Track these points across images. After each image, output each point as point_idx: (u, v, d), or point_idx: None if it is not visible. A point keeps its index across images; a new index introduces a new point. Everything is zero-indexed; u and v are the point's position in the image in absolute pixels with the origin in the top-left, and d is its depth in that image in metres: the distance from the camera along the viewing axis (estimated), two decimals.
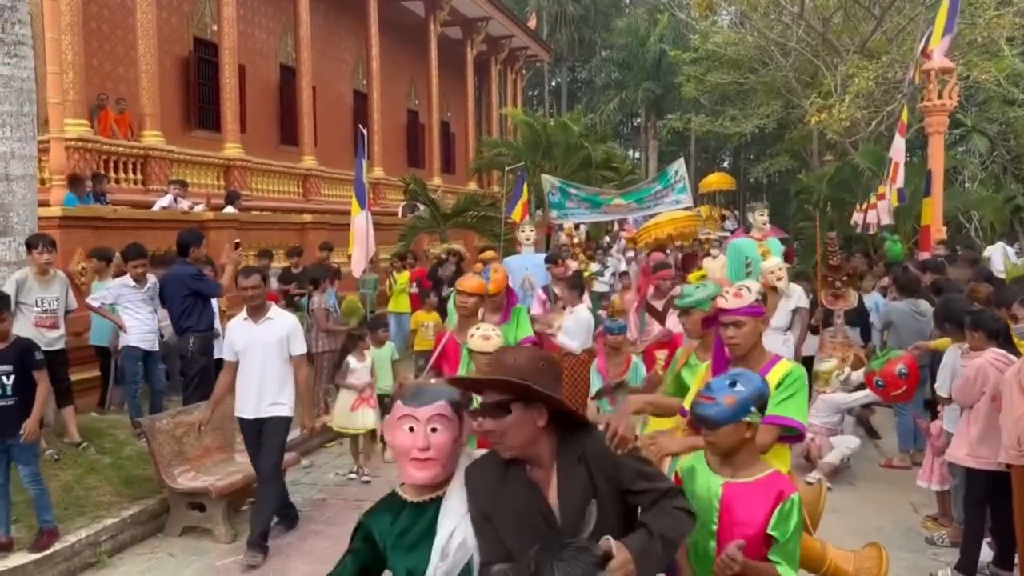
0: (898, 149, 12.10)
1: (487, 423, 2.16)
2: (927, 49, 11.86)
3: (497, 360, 2.28)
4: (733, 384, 2.59)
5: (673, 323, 6.29)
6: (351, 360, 7.31)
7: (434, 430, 2.20)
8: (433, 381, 4.98)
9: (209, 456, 6.37)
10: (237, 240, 8.43)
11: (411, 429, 2.20)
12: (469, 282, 5.28)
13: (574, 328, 6.80)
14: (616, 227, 20.08)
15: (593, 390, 6.01)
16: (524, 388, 2.11)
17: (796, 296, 7.58)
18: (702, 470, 2.71)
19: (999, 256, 13.16)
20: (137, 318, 7.17)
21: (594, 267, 14.04)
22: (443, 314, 8.65)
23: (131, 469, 6.42)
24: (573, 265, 12.06)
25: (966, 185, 20.00)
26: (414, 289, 11.34)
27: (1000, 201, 17.05)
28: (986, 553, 5.02)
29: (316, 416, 7.32)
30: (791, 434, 3.22)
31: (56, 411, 6.82)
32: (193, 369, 7.18)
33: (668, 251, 14.01)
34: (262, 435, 5.49)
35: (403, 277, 11.68)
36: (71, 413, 6.79)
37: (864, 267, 11.44)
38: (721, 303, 3.28)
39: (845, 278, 6.97)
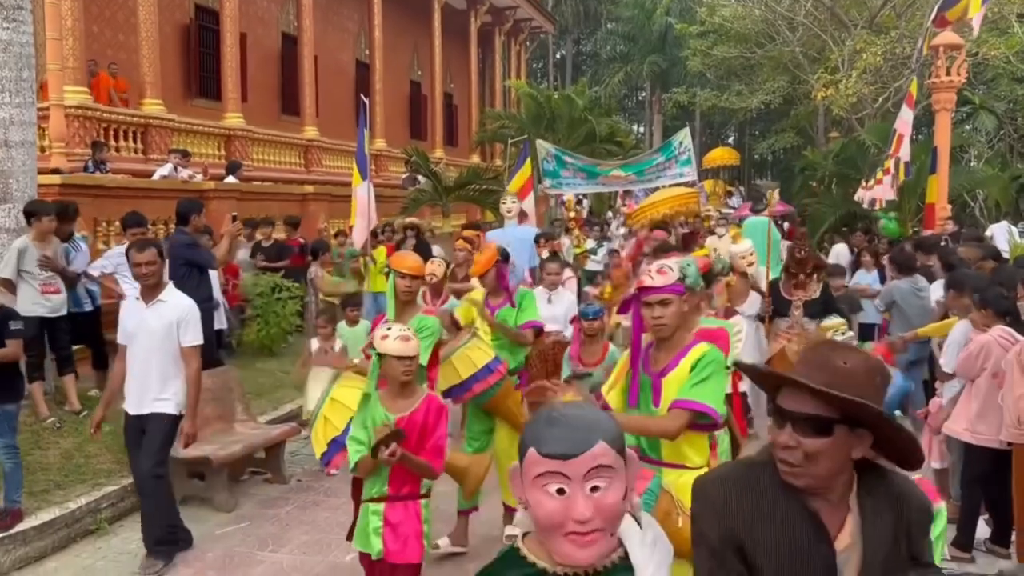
0: (904, 121, 11.93)
1: (793, 438, 1.70)
2: (940, 18, 11.56)
3: (822, 357, 1.77)
4: None
5: None
6: (313, 342, 6.94)
7: (596, 489, 1.45)
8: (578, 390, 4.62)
9: (209, 426, 6.37)
10: (234, 213, 8.38)
11: (560, 491, 1.44)
12: (406, 261, 4.57)
13: (565, 312, 6.40)
14: (619, 202, 19.85)
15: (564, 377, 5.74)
16: (876, 414, 1.69)
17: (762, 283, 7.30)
18: None
19: (1003, 235, 13.11)
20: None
21: (588, 244, 13.47)
22: None
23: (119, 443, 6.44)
24: (567, 242, 11.71)
25: (972, 163, 19.89)
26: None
27: (1006, 180, 16.97)
28: (983, 530, 5.04)
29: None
30: (704, 421, 3.03)
31: (56, 378, 6.84)
32: None
33: (671, 229, 13.85)
34: (144, 435, 4.82)
35: (380, 254, 10.34)
36: (72, 381, 6.80)
37: (864, 244, 11.40)
38: (646, 281, 3.13)
39: (810, 270, 6.55)
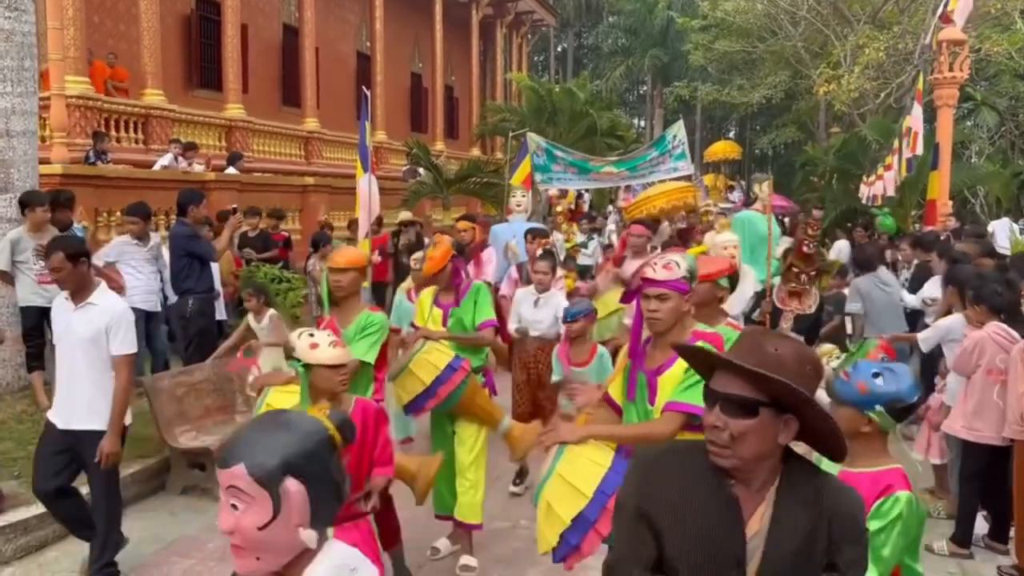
0: (916, 117, 11.85)
1: (720, 419, 1.77)
2: (947, 13, 11.48)
3: (754, 342, 1.84)
4: (877, 375, 2.46)
5: None
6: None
7: (233, 507, 1.50)
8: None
9: (210, 416, 6.39)
10: (234, 205, 8.39)
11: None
12: (341, 255, 4.29)
13: (554, 315, 5.92)
14: (620, 195, 19.72)
15: (555, 379, 5.48)
16: (803, 398, 1.74)
17: (752, 280, 6.67)
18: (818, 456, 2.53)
19: (1004, 232, 13.12)
20: (139, 278, 7.14)
21: (579, 238, 13.09)
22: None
23: (132, 428, 6.44)
24: (559, 237, 11.59)
25: (973, 160, 19.88)
26: (378, 258, 10.32)
27: (1007, 176, 16.97)
28: (981, 526, 5.05)
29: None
30: (698, 422, 2.88)
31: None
32: (192, 330, 7.17)
33: (671, 223, 13.57)
34: (79, 454, 4.29)
35: (363, 246, 10.22)
36: None
37: (864, 238, 11.37)
38: (648, 273, 3.10)
39: (812, 273, 5.74)
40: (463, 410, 4.60)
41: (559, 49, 44.81)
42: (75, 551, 4.96)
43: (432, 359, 4.39)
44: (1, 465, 5.46)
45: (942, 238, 9.07)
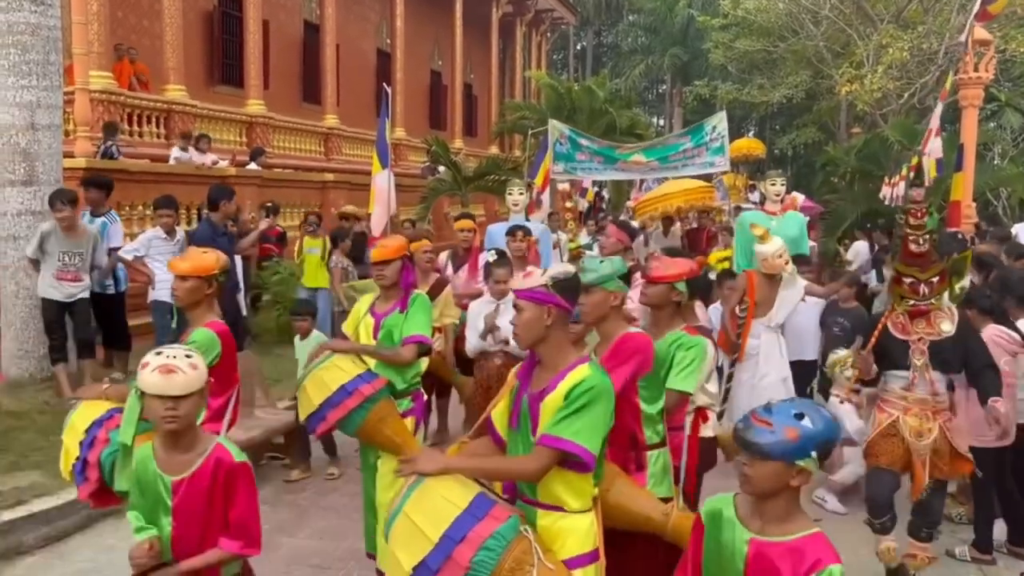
0: (936, 116, 11.69)
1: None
2: (983, 11, 11.16)
3: None
4: (800, 416, 2.14)
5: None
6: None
7: None
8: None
9: None
10: (268, 203, 8.41)
11: None
12: (184, 260, 3.76)
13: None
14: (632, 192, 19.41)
15: None
16: None
17: (800, 287, 6.19)
18: (728, 517, 2.27)
19: None
20: (167, 271, 7.19)
21: (583, 239, 12.15)
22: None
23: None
24: (563, 237, 10.70)
25: (996, 161, 19.63)
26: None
27: None
28: (1002, 531, 4.99)
29: None
30: (574, 460, 2.53)
31: (79, 362, 6.91)
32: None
33: (682, 224, 13.05)
34: None
35: (316, 243, 9.35)
36: (88, 366, 6.90)
37: (885, 241, 11.15)
38: (511, 283, 2.95)
39: (935, 279, 4.07)
40: (367, 440, 3.93)
41: (578, 47, 44.73)
42: (96, 542, 5.00)
43: (326, 377, 3.72)
44: (23, 455, 5.52)
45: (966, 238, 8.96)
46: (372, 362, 4.01)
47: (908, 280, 4.12)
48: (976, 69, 11.61)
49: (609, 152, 10.82)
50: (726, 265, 10.33)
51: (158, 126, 12.46)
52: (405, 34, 19.71)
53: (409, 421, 4.09)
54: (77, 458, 3.10)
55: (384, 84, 10.43)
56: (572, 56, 43.89)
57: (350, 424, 3.74)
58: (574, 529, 2.62)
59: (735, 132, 44.74)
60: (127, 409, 2.70)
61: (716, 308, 6.86)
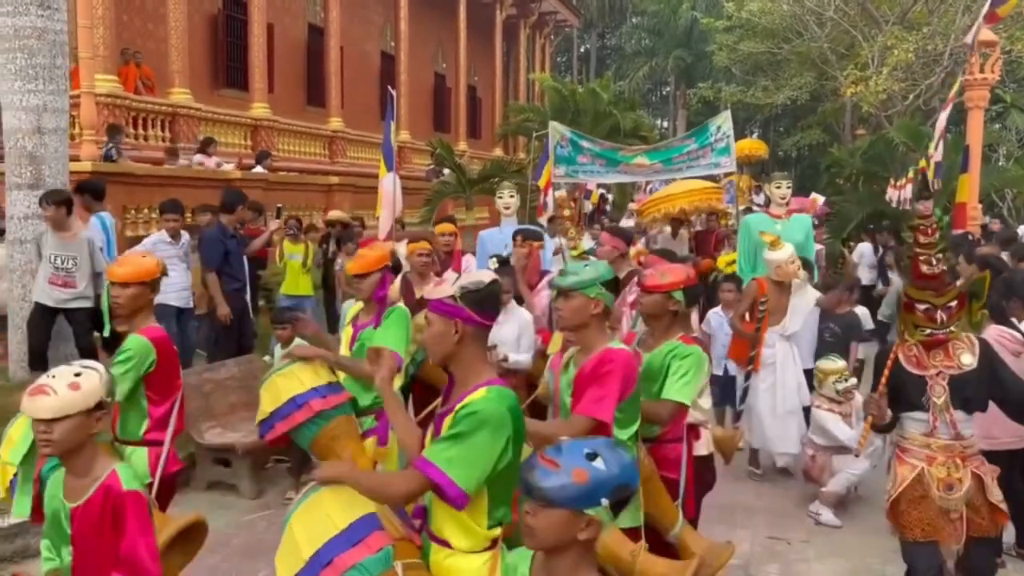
0: (942, 119, 11.62)
1: None
2: (991, 13, 11.10)
3: None
4: (592, 456, 1.89)
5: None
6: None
7: None
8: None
9: (235, 413, 6.42)
10: (279, 205, 8.43)
11: None
12: (122, 266, 3.54)
13: (516, 336, 5.05)
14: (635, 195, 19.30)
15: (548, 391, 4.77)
16: None
17: (811, 295, 6.20)
18: (523, 574, 2.14)
19: None
20: (173, 274, 7.18)
21: (585, 244, 11.38)
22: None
23: None
24: (564, 243, 10.90)
25: (1001, 162, 19.61)
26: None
27: None
28: (1011, 534, 4.97)
29: None
30: (441, 492, 2.28)
31: None
32: (219, 327, 7.24)
33: (688, 228, 12.85)
34: None
35: (297, 249, 8.97)
36: None
37: (890, 243, 11.06)
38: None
39: (953, 304, 3.52)
40: (321, 457, 3.68)
41: (582, 49, 44.73)
42: None
43: (281, 386, 3.60)
44: None
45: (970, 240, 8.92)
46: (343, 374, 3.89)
47: (922, 306, 3.52)
48: (982, 70, 11.59)
49: (612, 154, 10.50)
50: (734, 269, 10.31)
51: (163, 129, 12.48)
52: (409, 37, 19.72)
53: (370, 441, 3.90)
54: (15, 473, 2.95)
55: (389, 87, 10.42)
56: (576, 58, 43.90)
57: (301, 438, 3.63)
58: (459, 570, 2.32)
59: (739, 134, 44.58)
60: (23, 429, 2.60)
61: (716, 313, 6.81)
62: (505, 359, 4.86)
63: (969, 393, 3.50)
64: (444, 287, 2.43)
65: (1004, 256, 7.39)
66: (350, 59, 18.09)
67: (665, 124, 43.43)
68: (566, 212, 12.75)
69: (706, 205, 12.64)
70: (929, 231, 3.60)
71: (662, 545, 3.37)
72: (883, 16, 19.72)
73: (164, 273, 3.64)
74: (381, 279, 4.09)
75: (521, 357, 5.00)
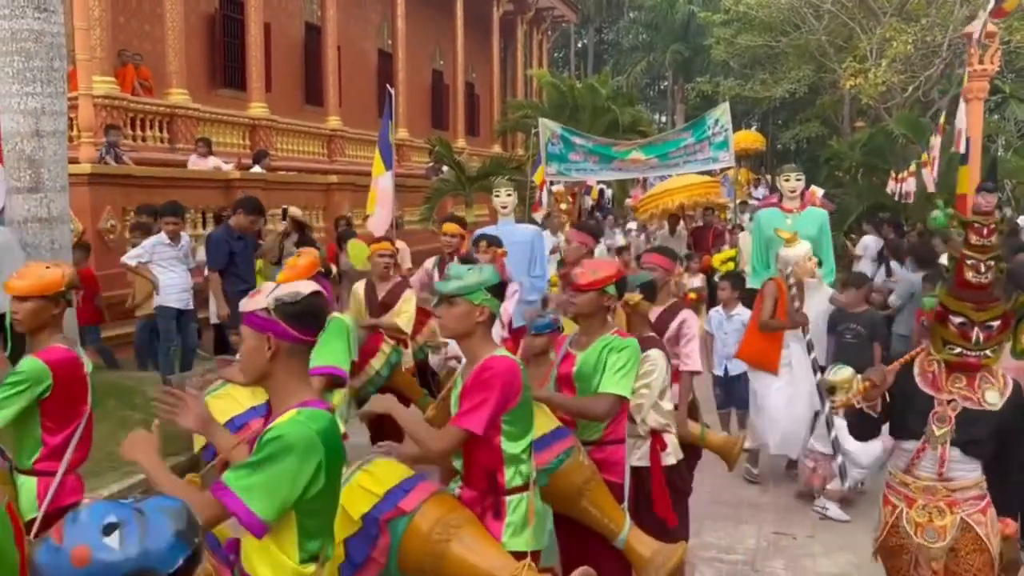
0: (961, 115, 11.31)
1: None
2: (998, 9, 11.01)
3: None
4: (111, 529, 1.42)
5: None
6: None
7: None
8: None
9: None
10: (285, 206, 8.38)
11: None
12: (22, 278, 3.30)
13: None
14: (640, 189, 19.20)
15: None
16: None
17: (825, 293, 6.16)
18: None
19: None
20: (172, 276, 7.22)
21: None
22: None
23: (161, 426, 6.49)
24: (560, 240, 9.94)
25: (1000, 153, 19.58)
26: None
27: None
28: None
29: None
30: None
31: None
32: (225, 329, 7.25)
33: (686, 224, 12.60)
34: None
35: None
36: None
37: (891, 235, 11.03)
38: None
39: (995, 323, 2.96)
40: None
41: (579, 45, 44.66)
42: None
43: (216, 408, 3.45)
44: None
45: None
46: None
47: (957, 320, 2.94)
48: (981, 61, 11.58)
49: (605, 150, 10.32)
50: (731, 266, 10.20)
51: (161, 130, 12.45)
52: (406, 34, 19.68)
53: None
54: None
55: (387, 85, 10.40)
56: (573, 54, 43.81)
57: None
58: None
59: (737, 127, 44.64)
60: None
61: (717, 311, 6.74)
62: (457, 359, 4.53)
63: (978, 436, 2.94)
64: (259, 298, 2.23)
65: None
66: (347, 58, 18.06)
67: (663, 119, 43.37)
68: (563, 207, 12.68)
69: (704, 200, 12.54)
70: (985, 231, 2.96)
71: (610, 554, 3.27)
72: (881, 8, 19.71)
73: (74, 286, 3.37)
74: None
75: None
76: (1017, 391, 3.00)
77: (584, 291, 3.39)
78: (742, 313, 6.45)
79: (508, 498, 2.85)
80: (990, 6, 10.81)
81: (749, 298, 6.54)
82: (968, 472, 3.00)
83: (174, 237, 7.33)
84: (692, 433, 4.33)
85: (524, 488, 2.88)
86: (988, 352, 2.96)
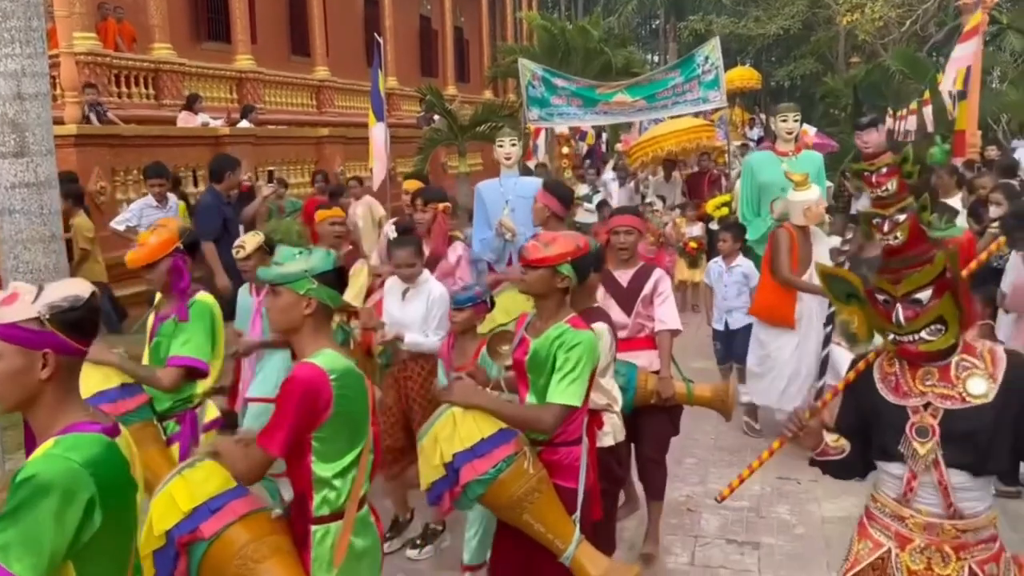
0: (967, 54, 11.04)
1: None
2: None
3: None
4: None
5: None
6: None
7: None
8: None
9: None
10: (271, 167, 8.17)
11: None
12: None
13: (423, 314, 4.34)
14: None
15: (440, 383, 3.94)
16: None
17: (827, 242, 5.94)
18: None
19: None
20: None
21: (582, 189, 11.07)
22: None
23: None
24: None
25: (995, 84, 19.39)
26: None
27: None
28: None
29: None
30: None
31: None
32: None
33: (681, 170, 12.22)
34: None
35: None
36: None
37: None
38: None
39: (921, 295, 2.23)
40: None
41: None
42: None
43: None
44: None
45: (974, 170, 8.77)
46: None
47: (880, 297, 2.31)
48: None
49: (589, 92, 9.72)
50: (725, 212, 10.02)
51: (147, 86, 12.22)
52: None
53: (173, 449, 3.49)
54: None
55: (376, 35, 10.18)
56: None
57: None
58: None
59: (730, 65, 44.08)
60: None
61: (716, 263, 6.53)
62: (399, 338, 4.25)
63: (976, 443, 2.20)
64: (18, 305, 1.78)
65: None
66: (333, 6, 17.66)
67: (656, 58, 42.72)
68: (564, 151, 12.22)
69: (695, 145, 12.01)
70: (875, 179, 2.29)
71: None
72: None
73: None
74: (173, 265, 3.47)
75: (424, 339, 4.27)
76: (1014, 366, 2.24)
77: (534, 267, 2.93)
78: (743, 264, 6.29)
79: (314, 527, 2.46)
80: None
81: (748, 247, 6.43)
82: (979, 502, 2.29)
83: (161, 199, 7.16)
84: (679, 393, 4.17)
85: (332, 518, 2.46)
86: (924, 335, 2.23)
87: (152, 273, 3.47)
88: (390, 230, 5.73)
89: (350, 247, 5.43)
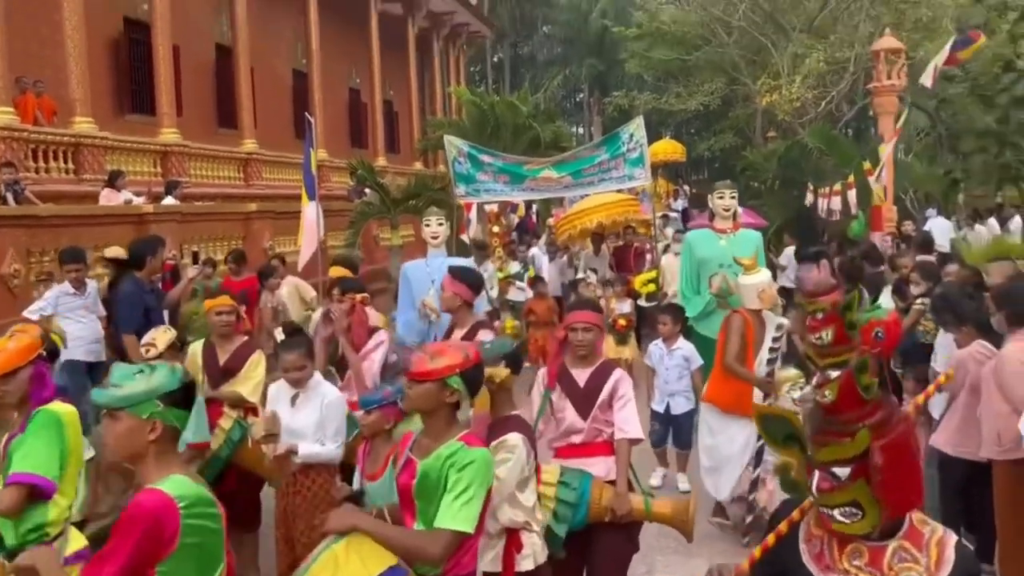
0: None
1: None
2: (951, 56, 11.36)
3: None
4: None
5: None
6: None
7: None
8: None
9: None
10: (195, 248, 7.78)
11: None
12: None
13: (316, 420, 4.10)
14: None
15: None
16: None
17: (775, 322, 5.53)
18: None
19: (943, 232, 13.30)
20: (79, 328, 6.62)
21: (513, 267, 11.11)
22: None
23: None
24: (490, 268, 9.78)
25: (901, 156, 20.47)
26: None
27: (941, 177, 17.48)
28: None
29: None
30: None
31: None
32: None
33: (607, 244, 12.40)
34: None
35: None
36: None
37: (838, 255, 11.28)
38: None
39: (841, 472, 1.88)
40: None
41: (495, 59, 44.80)
42: None
43: None
44: None
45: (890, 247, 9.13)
46: None
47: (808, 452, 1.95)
48: (889, 77, 12.01)
49: (516, 169, 9.61)
50: (652, 288, 10.08)
51: (66, 161, 11.80)
52: (321, 53, 19.28)
53: None
54: None
55: (307, 113, 10.09)
56: (490, 67, 43.92)
57: None
58: None
59: (652, 137, 45.41)
60: None
61: (657, 345, 6.44)
62: (292, 451, 3.98)
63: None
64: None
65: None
66: (261, 78, 17.57)
67: (581, 130, 43.84)
68: (495, 229, 12.39)
69: (623, 218, 12.16)
70: (811, 323, 2.12)
71: None
72: (790, 24, 20.33)
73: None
74: (34, 374, 3.08)
75: (321, 448, 4.02)
76: (961, 571, 1.87)
77: (419, 381, 2.68)
78: (683, 347, 6.25)
79: None
80: (945, 52, 11.21)
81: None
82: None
83: (79, 285, 6.71)
84: (636, 509, 3.78)
85: None
86: (837, 515, 1.89)
87: (9, 384, 3.03)
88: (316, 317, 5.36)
89: (244, 338, 5.02)
